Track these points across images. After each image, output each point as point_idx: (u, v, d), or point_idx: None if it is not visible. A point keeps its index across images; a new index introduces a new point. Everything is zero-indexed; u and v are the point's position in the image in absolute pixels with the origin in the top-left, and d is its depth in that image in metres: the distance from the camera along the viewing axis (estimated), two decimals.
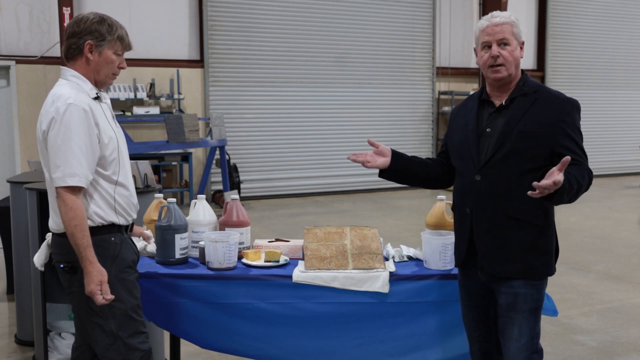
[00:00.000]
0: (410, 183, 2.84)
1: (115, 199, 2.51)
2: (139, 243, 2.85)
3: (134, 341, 2.53)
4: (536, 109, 2.42)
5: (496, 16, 2.49)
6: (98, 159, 2.45)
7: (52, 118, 2.37)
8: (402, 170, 2.71)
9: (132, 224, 2.73)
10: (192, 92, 11.08)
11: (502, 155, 2.43)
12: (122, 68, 2.57)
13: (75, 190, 2.37)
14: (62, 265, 2.48)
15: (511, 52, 2.45)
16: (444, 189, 2.83)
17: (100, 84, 2.54)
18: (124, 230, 2.59)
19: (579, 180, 2.31)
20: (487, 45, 2.48)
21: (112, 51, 2.50)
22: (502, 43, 2.45)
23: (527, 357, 2.45)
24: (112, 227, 2.52)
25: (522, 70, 2.54)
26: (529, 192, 2.20)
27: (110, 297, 2.41)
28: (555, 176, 2.14)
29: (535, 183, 2.16)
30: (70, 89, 2.44)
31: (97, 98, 2.51)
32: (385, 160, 2.66)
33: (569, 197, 2.28)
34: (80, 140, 2.37)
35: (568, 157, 2.19)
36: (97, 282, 2.37)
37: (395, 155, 2.69)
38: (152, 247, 2.84)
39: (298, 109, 11.92)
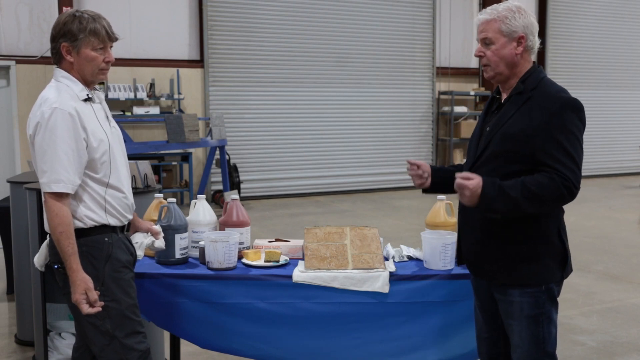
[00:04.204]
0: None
1: (106, 200, 2.48)
2: (147, 239, 2.78)
3: (131, 341, 2.51)
4: (525, 109, 2.31)
5: (483, 13, 2.38)
6: (87, 162, 2.41)
7: (38, 123, 2.35)
8: (444, 182, 2.64)
9: (129, 223, 2.68)
10: (192, 92, 11.08)
11: (486, 157, 2.36)
12: (109, 62, 2.48)
13: (62, 196, 2.34)
14: (56, 266, 2.46)
15: (495, 51, 2.34)
16: None
17: (90, 82, 2.49)
18: (118, 231, 2.56)
19: (533, 189, 2.17)
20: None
21: (90, 48, 2.42)
22: (485, 43, 2.36)
23: None
24: (105, 228, 2.49)
25: (535, 64, 2.42)
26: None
27: (97, 309, 2.38)
28: (461, 180, 2.21)
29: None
30: (59, 91, 2.40)
31: (88, 99, 2.47)
32: (426, 182, 2.62)
33: (507, 207, 2.19)
34: (65, 145, 2.33)
35: (460, 174, 2.23)
36: (82, 290, 2.35)
37: (435, 171, 2.63)
38: (160, 243, 2.79)
39: (298, 109, 11.92)
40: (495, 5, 2.41)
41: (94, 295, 2.37)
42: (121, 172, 2.55)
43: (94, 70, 2.46)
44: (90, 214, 2.45)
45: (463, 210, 2.50)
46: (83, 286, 2.35)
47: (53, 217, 2.33)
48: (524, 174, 2.27)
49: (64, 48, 2.43)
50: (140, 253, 2.73)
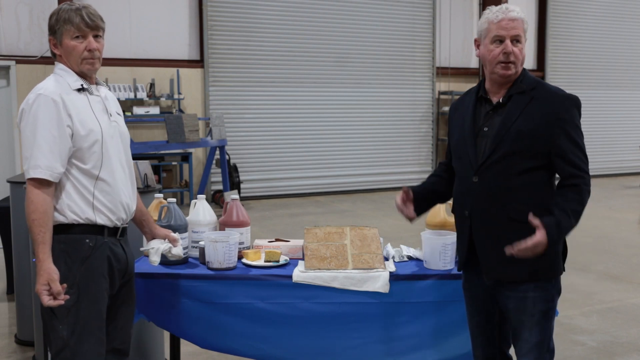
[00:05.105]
0: (440, 202, 2.90)
1: (94, 195, 2.37)
2: (164, 245, 2.70)
3: (84, 357, 2.35)
4: (533, 106, 2.36)
5: (512, 10, 2.39)
6: (74, 151, 2.34)
7: (23, 109, 2.36)
8: (426, 200, 2.76)
9: (124, 229, 2.55)
10: (192, 92, 11.08)
11: (499, 156, 2.37)
12: (91, 50, 2.40)
13: (42, 183, 2.27)
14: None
15: (521, 50, 2.40)
16: None
17: (82, 74, 2.45)
18: (106, 233, 2.43)
19: (573, 207, 2.33)
20: (500, 40, 2.38)
21: (68, 38, 2.41)
22: (515, 40, 2.38)
23: (538, 357, 2.41)
24: (90, 228, 2.38)
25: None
26: (506, 250, 2.29)
27: (60, 301, 2.25)
28: (530, 241, 2.24)
29: (509, 249, 2.27)
30: (50, 81, 2.42)
31: (82, 90, 2.42)
32: (413, 212, 2.69)
33: (568, 232, 2.32)
34: (46, 131, 2.29)
35: (535, 221, 2.26)
36: (44, 281, 2.23)
37: (416, 195, 2.69)
38: (177, 250, 2.72)
39: (298, 109, 11.92)
40: (509, 5, 2.48)
41: (58, 287, 2.24)
42: (115, 166, 2.45)
43: (77, 60, 2.42)
44: (73, 207, 2.35)
45: (476, 215, 2.45)
46: (46, 277, 2.23)
47: (29, 204, 2.26)
48: (536, 170, 2.37)
49: (51, 42, 2.47)
50: (155, 259, 2.66)
